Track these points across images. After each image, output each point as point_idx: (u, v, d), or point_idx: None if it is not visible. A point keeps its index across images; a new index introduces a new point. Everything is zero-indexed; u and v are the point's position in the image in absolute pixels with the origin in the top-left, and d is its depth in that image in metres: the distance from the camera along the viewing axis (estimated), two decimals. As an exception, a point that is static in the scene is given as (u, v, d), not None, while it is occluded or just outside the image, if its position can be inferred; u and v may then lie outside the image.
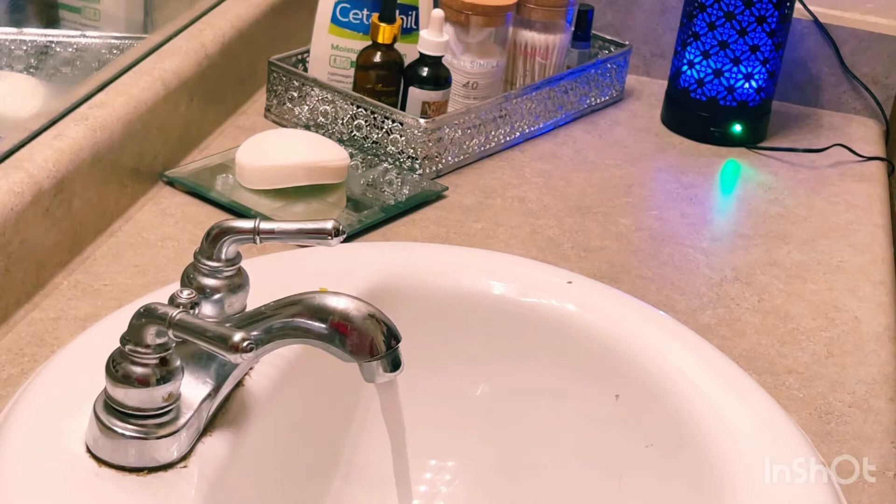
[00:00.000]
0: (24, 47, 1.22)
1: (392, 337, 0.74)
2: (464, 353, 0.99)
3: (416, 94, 1.25)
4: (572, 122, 1.41)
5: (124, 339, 0.73)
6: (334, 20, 1.30)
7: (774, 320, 1.07)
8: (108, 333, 0.77)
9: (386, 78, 1.26)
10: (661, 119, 1.45)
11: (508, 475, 0.96)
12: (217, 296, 0.81)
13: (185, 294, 0.75)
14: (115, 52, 1.24)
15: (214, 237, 0.80)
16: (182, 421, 0.75)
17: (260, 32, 1.34)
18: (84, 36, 1.26)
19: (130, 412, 0.73)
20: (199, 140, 1.25)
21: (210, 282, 0.81)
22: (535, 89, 1.34)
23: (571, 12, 1.39)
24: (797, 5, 1.43)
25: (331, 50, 1.31)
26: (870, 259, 1.19)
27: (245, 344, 0.68)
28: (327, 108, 1.28)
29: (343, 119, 1.27)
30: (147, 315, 0.72)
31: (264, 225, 0.79)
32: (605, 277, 1.09)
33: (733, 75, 1.38)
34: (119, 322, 0.75)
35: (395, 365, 0.74)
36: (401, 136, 1.23)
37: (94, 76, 1.12)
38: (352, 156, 1.23)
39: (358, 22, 1.30)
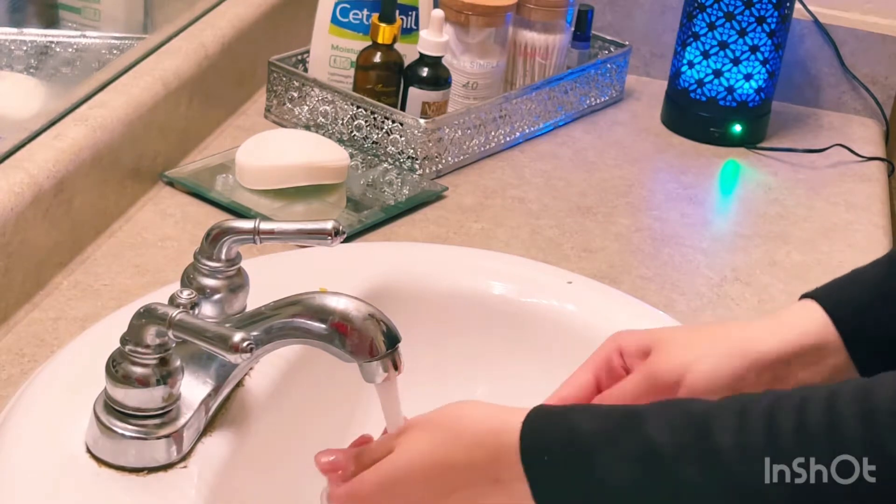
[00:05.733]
0: (24, 47, 1.22)
1: (392, 337, 0.74)
2: (464, 354, 0.99)
3: (415, 95, 1.25)
4: (572, 123, 1.41)
5: (124, 340, 0.73)
6: (334, 20, 1.30)
7: (774, 320, 1.07)
8: (108, 333, 0.77)
9: (386, 78, 1.26)
10: (661, 119, 1.45)
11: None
12: (217, 296, 0.81)
13: (185, 294, 0.75)
14: (115, 52, 1.24)
15: (214, 237, 0.80)
16: (182, 421, 0.75)
17: (260, 32, 1.34)
18: (84, 36, 1.26)
19: (130, 412, 0.73)
20: (199, 140, 1.25)
21: (210, 282, 0.81)
22: (535, 89, 1.34)
23: (571, 12, 1.39)
24: (797, 5, 1.43)
25: (331, 50, 1.31)
26: (870, 259, 1.19)
27: (245, 344, 0.68)
28: (327, 108, 1.28)
29: (343, 119, 1.27)
30: (147, 315, 0.72)
31: (264, 225, 0.79)
32: (605, 278, 1.09)
33: (733, 75, 1.38)
34: (119, 322, 0.75)
35: (394, 365, 0.74)
36: (401, 137, 1.23)
37: (94, 76, 1.12)
38: (352, 156, 1.23)
39: (358, 22, 1.30)
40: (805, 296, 0.79)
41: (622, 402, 0.76)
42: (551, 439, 0.66)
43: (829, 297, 0.78)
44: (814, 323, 0.77)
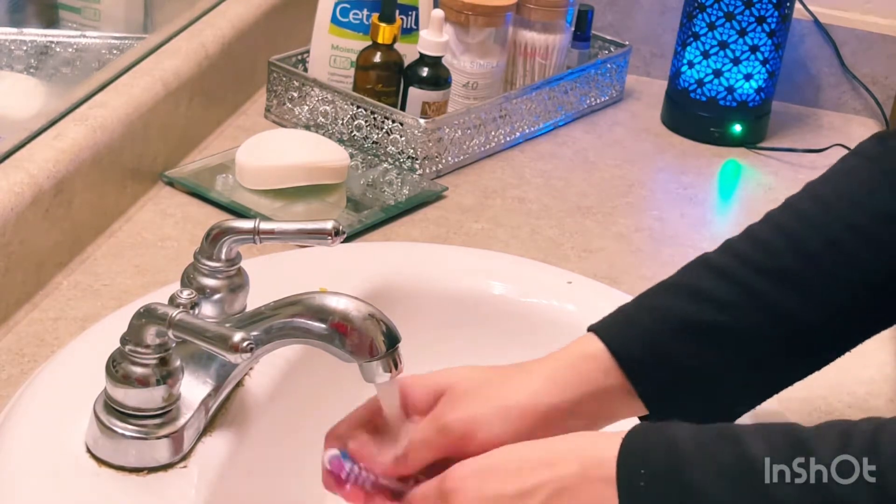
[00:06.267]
0: (24, 47, 1.22)
1: (392, 337, 0.74)
2: (464, 354, 0.99)
3: (416, 94, 1.25)
4: (572, 123, 1.41)
5: (124, 340, 0.73)
6: (334, 20, 1.30)
7: (774, 320, 1.07)
8: (108, 333, 0.77)
9: (386, 78, 1.26)
10: (661, 119, 1.45)
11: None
12: (217, 296, 0.81)
13: (185, 294, 0.75)
14: (115, 52, 1.24)
15: (214, 237, 0.80)
16: (182, 421, 0.75)
17: (260, 32, 1.34)
18: (84, 36, 1.26)
19: (130, 412, 0.73)
20: (199, 140, 1.25)
21: (210, 282, 0.81)
22: (535, 89, 1.34)
23: (571, 12, 1.39)
24: (797, 5, 1.43)
25: (331, 50, 1.31)
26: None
27: (245, 344, 0.68)
28: (327, 108, 1.28)
29: (343, 119, 1.27)
30: (147, 315, 0.72)
31: (264, 225, 0.79)
32: (605, 278, 1.09)
33: (733, 75, 1.38)
34: (119, 322, 0.75)
35: (394, 365, 0.74)
36: (401, 137, 1.23)
37: (94, 76, 1.12)
38: (352, 156, 1.23)
39: (358, 22, 1.30)
40: (591, 328, 0.79)
41: (416, 450, 0.75)
42: (651, 454, 0.65)
43: (614, 334, 0.78)
44: (598, 366, 0.77)
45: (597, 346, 0.78)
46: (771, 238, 0.79)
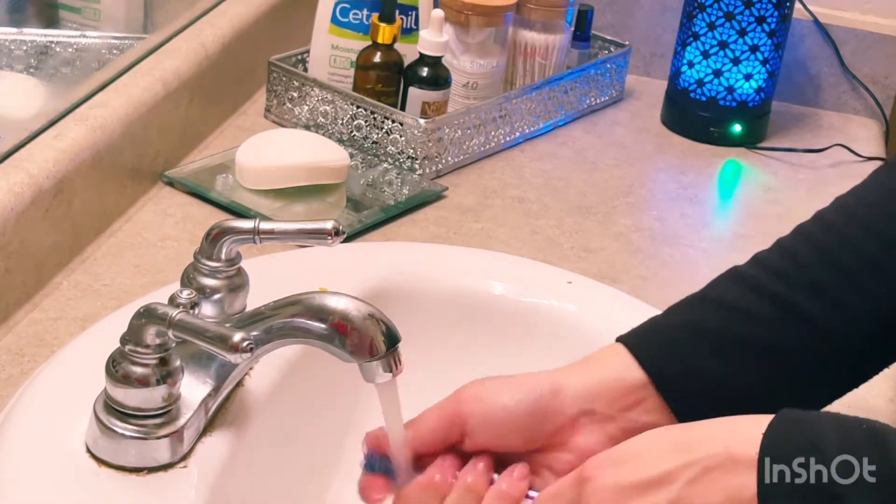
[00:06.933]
0: (24, 47, 1.22)
1: (392, 337, 0.74)
2: (464, 354, 0.99)
3: (415, 94, 1.25)
4: (572, 123, 1.41)
5: (124, 339, 0.73)
6: (334, 20, 1.30)
7: (774, 320, 1.07)
8: (108, 333, 0.77)
9: (386, 78, 1.26)
10: (661, 119, 1.45)
11: (508, 475, 0.96)
12: (217, 296, 0.81)
13: (185, 294, 0.75)
14: (115, 52, 1.24)
15: (214, 237, 0.80)
16: (182, 421, 0.75)
17: (260, 32, 1.34)
18: (84, 36, 1.26)
19: (130, 412, 0.73)
20: (199, 140, 1.25)
21: (210, 282, 0.81)
22: (535, 89, 1.34)
23: (571, 12, 1.39)
24: (797, 5, 1.43)
25: (331, 50, 1.31)
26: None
27: (245, 344, 0.68)
28: (327, 108, 1.28)
29: (343, 119, 1.27)
30: (147, 315, 0.72)
31: (264, 225, 0.79)
32: (605, 277, 1.09)
33: (733, 75, 1.38)
34: (119, 322, 0.75)
35: (394, 365, 0.74)
36: (401, 137, 1.23)
37: (94, 76, 1.12)
38: (352, 156, 1.23)
39: (358, 22, 1.30)
40: (619, 339, 0.79)
41: (425, 415, 0.76)
42: (793, 449, 0.63)
43: (634, 337, 0.78)
44: (617, 361, 0.77)
45: (621, 351, 0.77)
46: (803, 252, 0.77)
